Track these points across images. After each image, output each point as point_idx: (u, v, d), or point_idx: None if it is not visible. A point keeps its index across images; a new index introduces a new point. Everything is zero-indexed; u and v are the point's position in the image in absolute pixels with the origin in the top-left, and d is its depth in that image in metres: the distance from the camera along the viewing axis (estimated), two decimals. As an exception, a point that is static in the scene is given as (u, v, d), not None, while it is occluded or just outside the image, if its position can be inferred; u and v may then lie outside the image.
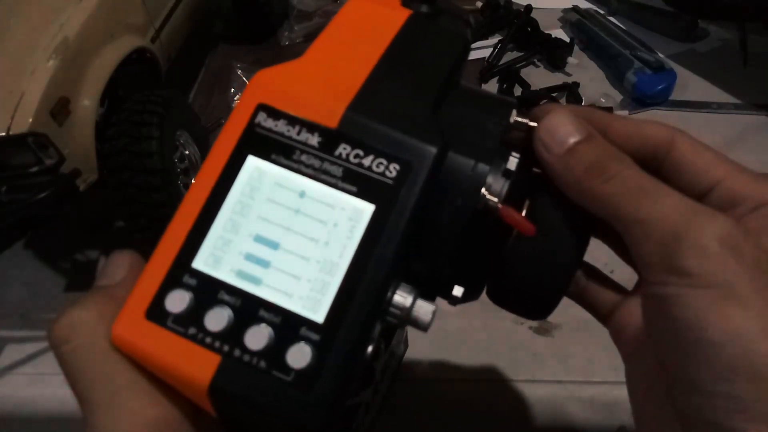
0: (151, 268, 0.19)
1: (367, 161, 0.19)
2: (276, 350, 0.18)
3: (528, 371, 0.47)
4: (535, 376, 0.46)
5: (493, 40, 0.76)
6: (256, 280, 0.18)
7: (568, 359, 0.46)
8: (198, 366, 0.18)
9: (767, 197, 0.22)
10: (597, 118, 0.23)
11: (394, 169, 0.19)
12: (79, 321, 0.20)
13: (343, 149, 0.19)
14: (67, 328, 0.20)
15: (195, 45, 0.75)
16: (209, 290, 0.18)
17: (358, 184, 0.19)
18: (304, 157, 0.19)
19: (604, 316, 0.26)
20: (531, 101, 0.66)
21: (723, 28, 0.77)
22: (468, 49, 0.24)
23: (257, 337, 0.18)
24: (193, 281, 0.18)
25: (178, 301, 0.18)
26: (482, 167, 0.20)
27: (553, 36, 0.74)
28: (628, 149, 0.23)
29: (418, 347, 0.46)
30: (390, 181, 0.19)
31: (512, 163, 0.21)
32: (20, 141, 0.44)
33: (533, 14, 0.75)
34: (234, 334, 0.18)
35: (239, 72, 0.71)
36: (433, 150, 0.19)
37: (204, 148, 0.58)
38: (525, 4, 0.75)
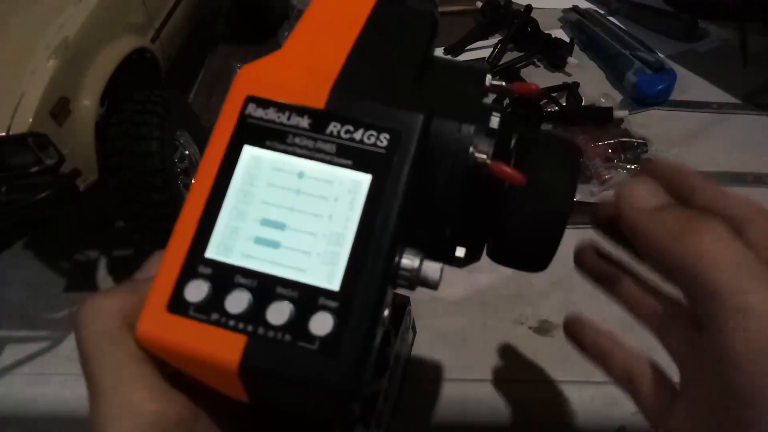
0: (166, 264, 0.19)
1: (357, 135, 0.20)
2: (298, 322, 0.18)
3: (528, 371, 0.47)
4: (535, 376, 0.46)
5: (493, 40, 0.76)
6: (268, 261, 0.19)
7: (568, 359, 0.46)
8: (225, 348, 0.18)
9: None
10: (678, 180, 0.23)
11: (384, 139, 0.20)
12: (100, 308, 0.21)
13: (333, 127, 0.20)
14: (88, 313, 0.21)
15: (195, 45, 0.75)
16: (225, 276, 0.19)
17: (352, 157, 0.20)
18: (297, 140, 0.20)
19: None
20: (531, 102, 0.65)
21: (723, 28, 0.77)
22: (437, 26, 0.25)
23: (278, 312, 0.19)
24: (208, 270, 0.19)
25: (196, 290, 0.19)
26: (467, 128, 0.21)
27: (553, 36, 0.74)
28: None
29: (419, 347, 0.47)
30: (382, 151, 0.20)
31: (494, 122, 0.22)
32: (20, 141, 0.44)
33: (533, 14, 0.75)
34: (255, 313, 0.19)
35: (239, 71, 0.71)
36: (420, 116, 0.20)
37: (204, 148, 0.58)
38: (525, 4, 0.75)
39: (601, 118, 0.65)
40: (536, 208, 0.23)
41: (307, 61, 0.21)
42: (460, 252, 0.23)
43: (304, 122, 0.20)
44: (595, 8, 0.81)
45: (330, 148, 0.20)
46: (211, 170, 0.20)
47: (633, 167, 0.61)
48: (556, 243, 0.23)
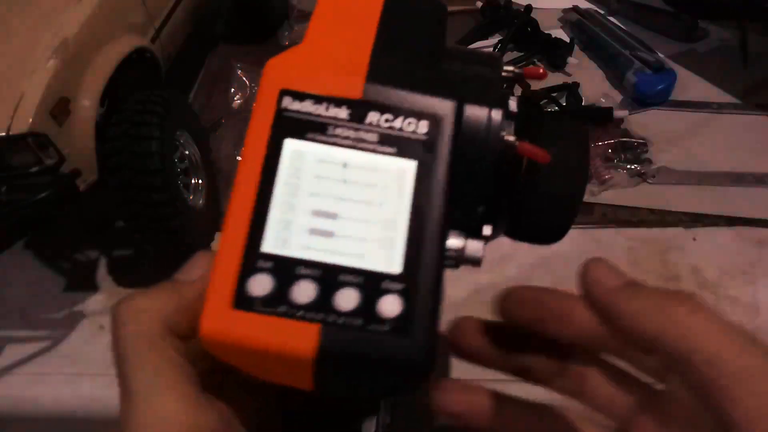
0: (222, 262, 0.19)
1: (397, 123, 0.20)
2: (366, 307, 0.19)
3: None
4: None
5: (493, 40, 0.76)
6: (326, 250, 0.19)
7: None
8: (300, 338, 0.19)
9: None
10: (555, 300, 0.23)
11: (424, 126, 0.20)
12: (140, 308, 0.21)
13: (373, 116, 0.20)
14: (130, 311, 0.21)
15: (195, 45, 0.75)
16: (286, 269, 0.19)
17: (395, 145, 0.20)
18: (338, 131, 0.20)
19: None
20: (532, 102, 0.66)
21: (723, 28, 0.77)
22: (446, 14, 0.26)
23: (346, 299, 0.19)
24: (268, 264, 0.19)
25: (260, 284, 0.19)
26: (497, 112, 0.22)
27: (553, 36, 0.74)
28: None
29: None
30: (424, 137, 0.20)
31: (513, 105, 0.23)
32: (20, 141, 0.44)
33: (533, 14, 0.75)
34: (324, 302, 0.19)
35: (239, 72, 0.71)
36: (454, 102, 0.21)
37: (204, 148, 0.58)
38: (525, 4, 0.75)
39: (601, 118, 0.65)
40: (556, 182, 0.24)
41: (333, 54, 0.22)
42: (486, 230, 0.23)
43: (343, 113, 0.20)
44: (595, 8, 0.81)
45: (372, 137, 0.20)
46: (256, 167, 0.20)
47: (633, 167, 0.61)
48: (575, 213, 0.25)
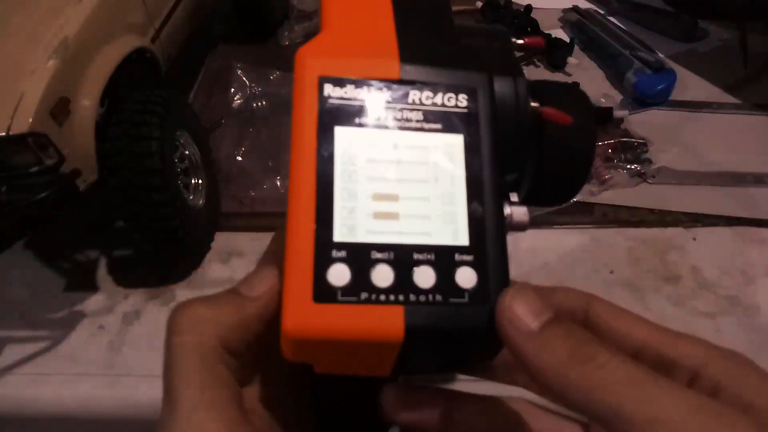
0: (294, 258, 0.19)
1: (438, 99, 0.21)
2: (444, 281, 0.19)
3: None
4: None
5: (493, 40, 0.76)
6: (394, 232, 0.20)
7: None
8: (388, 322, 0.19)
9: (699, 357, 0.20)
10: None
11: (464, 99, 0.21)
12: (200, 318, 0.20)
13: (414, 95, 0.21)
14: (187, 319, 0.20)
15: (195, 45, 0.75)
16: (360, 255, 0.19)
17: (440, 121, 0.21)
18: (383, 113, 0.21)
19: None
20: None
21: (723, 28, 0.77)
22: None
23: (424, 276, 0.19)
24: (342, 253, 0.19)
25: (339, 274, 0.19)
26: (521, 80, 0.24)
27: (553, 36, 0.74)
28: None
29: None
30: (465, 110, 0.21)
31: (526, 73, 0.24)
32: (20, 141, 0.44)
33: (533, 14, 0.75)
34: (403, 282, 0.19)
35: (239, 72, 0.71)
36: (485, 75, 0.22)
37: (204, 148, 0.58)
38: (525, 4, 0.76)
39: (601, 118, 0.65)
40: (577, 140, 0.25)
41: (359, 38, 0.22)
42: (514, 197, 0.23)
43: (386, 94, 0.21)
44: (595, 8, 0.81)
45: (416, 115, 0.21)
46: (310, 159, 0.20)
47: (633, 167, 0.61)
48: (588, 173, 0.26)
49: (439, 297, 0.19)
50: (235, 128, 0.66)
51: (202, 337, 0.20)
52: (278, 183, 0.61)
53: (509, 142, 0.23)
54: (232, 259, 0.56)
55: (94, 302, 0.54)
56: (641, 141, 0.63)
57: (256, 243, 0.57)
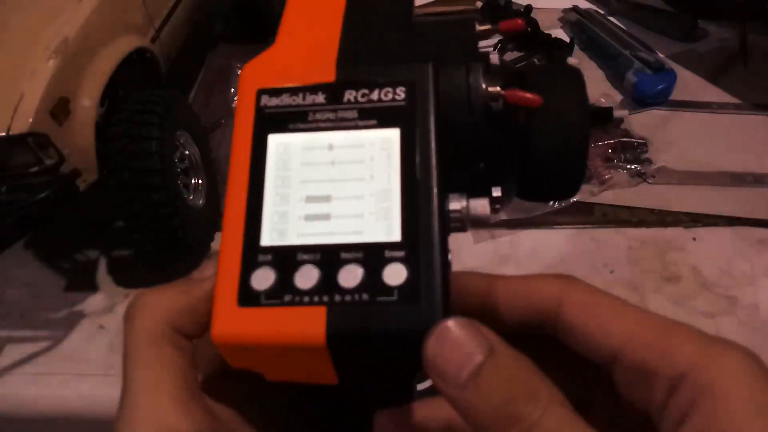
0: (224, 262, 0.19)
1: (374, 95, 0.21)
2: (371, 279, 0.19)
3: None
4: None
5: (493, 40, 0.76)
6: (324, 233, 0.19)
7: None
8: (308, 324, 0.18)
9: (687, 356, 0.18)
10: (475, 284, 0.22)
11: (401, 92, 0.21)
12: (148, 303, 0.21)
13: (349, 94, 0.21)
14: (137, 307, 0.21)
15: (195, 45, 0.75)
16: (287, 258, 0.19)
17: (375, 117, 0.20)
18: (317, 116, 0.21)
19: None
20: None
21: (723, 28, 0.77)
22: None
23: (350, 276, 0.19)
24: (268, 257, 0.19)
25: (263, 278, 0.19)
26: (475, 65, 0.22)
27: (553, 36, 0.74)
28: (516, 318, 0.21)
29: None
30: (402, 103, 0.20)
31: (494, 58, 0.23)
32: (20, 141, 0.44)
33: (533, 14, 0.75)
34: (327, 283, 0.19)
35: (239, 72, 0.71)
36: (428, 65, 0.21)
37: (204, 148, 0.58)
38: (525, 4, 0.76)
39: (601, 118, 0.65)
40: (558, 126, 0.23)
41: (303, 45, 0.22)
42: (496, 192, 0.23)
43: (320, 98, 0.21)
44: (595, 8, 0.81)
45: (351, 114, 0.20)
46: (244, 167, 0.20)
47: (633, 167, 0.61)
48: (581, 160, 0.24)
49: (365, 296, 0.18)
50: (235, 128, 0.66)
51: (148, 321, 0.20)
52: (278, 183, 0.61)
53: (465, 131, 0.22)
54: (232, 259, 0.56)
55: (94, 302, 0.54)
56: (641, 141, 0.63)
57: (256, 243, 0.57)
